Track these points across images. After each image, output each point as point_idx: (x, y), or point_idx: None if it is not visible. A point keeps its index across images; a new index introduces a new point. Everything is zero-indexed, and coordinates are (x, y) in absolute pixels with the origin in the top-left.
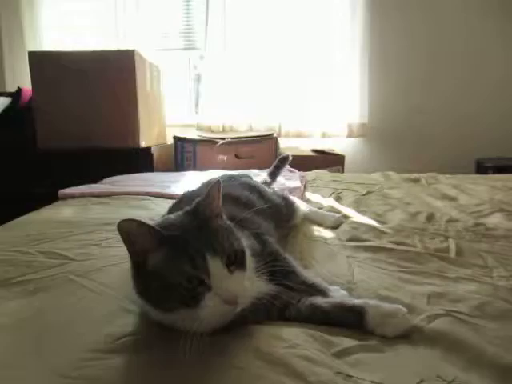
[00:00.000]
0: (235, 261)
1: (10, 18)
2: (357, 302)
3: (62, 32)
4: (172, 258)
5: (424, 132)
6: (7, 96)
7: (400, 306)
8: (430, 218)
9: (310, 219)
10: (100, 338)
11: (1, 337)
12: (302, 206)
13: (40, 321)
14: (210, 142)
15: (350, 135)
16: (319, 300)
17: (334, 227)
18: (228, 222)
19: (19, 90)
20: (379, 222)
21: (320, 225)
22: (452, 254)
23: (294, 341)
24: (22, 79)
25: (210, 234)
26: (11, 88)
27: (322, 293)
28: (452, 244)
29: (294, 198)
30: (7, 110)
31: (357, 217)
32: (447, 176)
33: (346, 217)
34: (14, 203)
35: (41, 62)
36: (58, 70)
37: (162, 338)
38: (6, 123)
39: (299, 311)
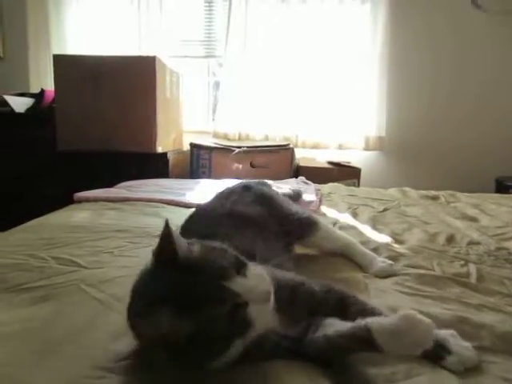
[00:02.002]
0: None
1: (38, 23)
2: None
3: (86, 36)
4: None
5: (442, 148)
6: (30, 97)
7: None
8: (450, 239)
9: (348, 256)
10: (106, 356)
11: (7, 346)
12: (337, 233)
13: (47, 332)
14: (226, 149)
15: (366, 148)
16: (331, 331)
17: (380, 276)
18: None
19: (42, 92)
20: (397, 241)
21: (361, 268)
22: (473, 280)
23: None
24: (45, 81)
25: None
26: (35, 89)
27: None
28: (473, 269)
29: (315, 217)
30: (30, 110)
31: (374, 235)
32: (467, 194)
33: (361, 234)
34: (30, 203)
35: (65, 65)
36: (81, 73)
37: None
38: (28, 123)
39: (312, 346)
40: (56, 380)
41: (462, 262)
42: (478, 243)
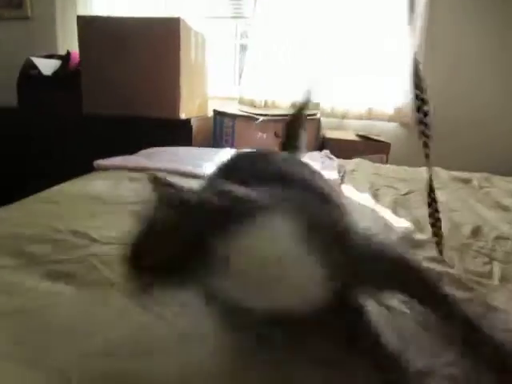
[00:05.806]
0: None
1: None
2: None
3: None
4: None
5: (482, 126)
6: (58, 59)
7: None
8: (476, 231)
9: None
10: (115, 333)
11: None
12: None
13: (64, 308)
14: (250, 118)
15: (397, 120)
16: None
17: None
18: None
19: (68, 54)
20: (417, 230)
21: None
22: (495, 281)
23: None
24: (72, 42)
25: None
26: (62, 51)
27: None
28: (496, 267)
29: None
30: (57, 72)
31: (393, 221)
32: (504, 179)
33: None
34: (57, 163)
35: (88, 26)
36: (104, 35)
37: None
38: (55, 86)
39: None
40: (78, 350)
41: (486, 260)
42: (507, 238)
